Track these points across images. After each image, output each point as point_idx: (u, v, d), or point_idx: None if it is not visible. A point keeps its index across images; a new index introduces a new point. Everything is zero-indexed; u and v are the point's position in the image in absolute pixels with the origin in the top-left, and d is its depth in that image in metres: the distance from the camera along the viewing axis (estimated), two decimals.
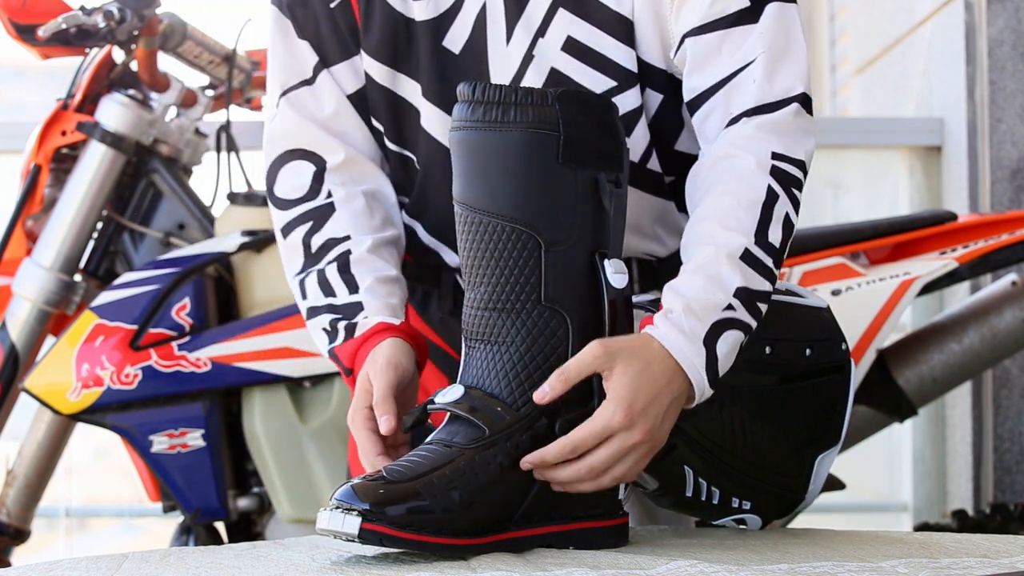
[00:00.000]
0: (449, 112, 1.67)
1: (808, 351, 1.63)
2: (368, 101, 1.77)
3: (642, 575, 1.40)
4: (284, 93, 1.78)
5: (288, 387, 2.50)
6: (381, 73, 1.74)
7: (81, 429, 2.69)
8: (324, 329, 1.71)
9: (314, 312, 1.72)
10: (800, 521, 2.59)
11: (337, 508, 1.44)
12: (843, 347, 1.66)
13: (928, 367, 2.62)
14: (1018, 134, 3.40)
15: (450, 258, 1.78)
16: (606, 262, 1.52)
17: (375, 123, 1.77)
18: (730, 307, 1.52)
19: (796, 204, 1.60)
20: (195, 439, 2.48)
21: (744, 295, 1.53)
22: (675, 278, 1.56)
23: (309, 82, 1.77)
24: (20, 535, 2.69)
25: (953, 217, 2.57)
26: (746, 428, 1.60)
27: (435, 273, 1.81)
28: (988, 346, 2.62)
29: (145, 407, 2.47)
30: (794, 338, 1.62)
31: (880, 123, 3.88)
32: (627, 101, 1.69)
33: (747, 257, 1.54)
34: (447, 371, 1.82)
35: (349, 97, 1.77)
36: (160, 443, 2.48)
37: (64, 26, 2.54)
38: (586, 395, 1.52)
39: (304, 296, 1.74)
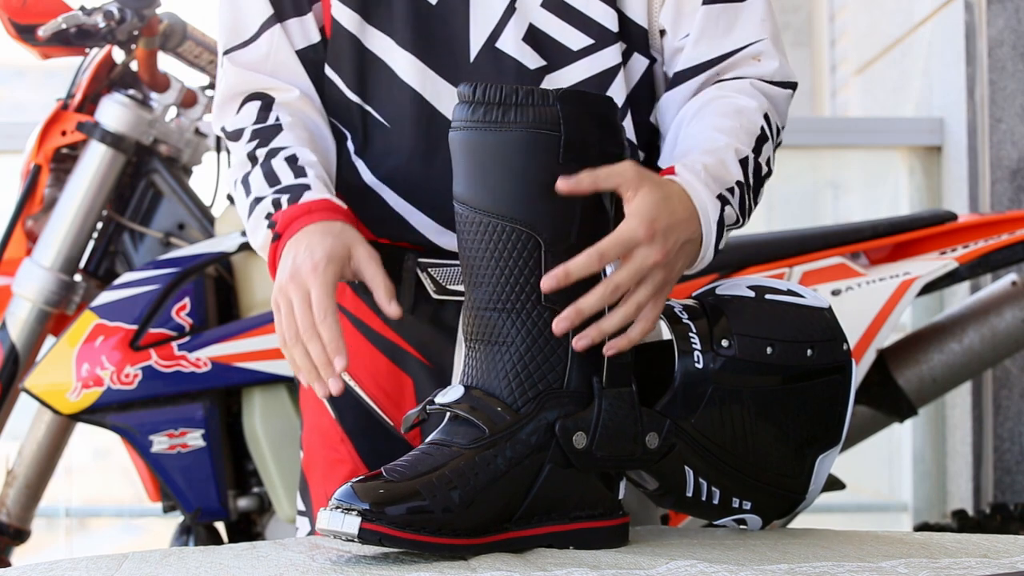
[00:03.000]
0: (427, 62, 1.68)
1: (810, 351, 1.63)
2: (329, 51, 1.74)
3: (642, 575, 1.40)
4: (227, 52, 1.75)
5: (288, 387, 2.50)
6: (351, 21, 1.71)
7: (81, 429, 2.69)
8: (267, 214, 1.66)
9: (257, 202, 1.67)
10: (800, 521, 2.59)
11: (337, 508, 1.44)
12: (844, 347, 1.66)
13: (928, 367, 2.62)
14: (1018, 134, 3.40)
15: (416, 221, 1.73)
16: None
17: (331, 74, 1.75)
18: (732, 190, 1.59)
19: (773, 157, 1.69)
20: (195, 439, 2.48)
21: (739, 190, 1.60)
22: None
23: (254, 39, 1.74)
24: (20, 535, 2.69)
25: (953, 217, 2.57)
26: (747, 428, 1.60)
27: (395, 266, 1.75)
28: (988, 346, 2.62)
29: (145, 407, 2.47)
30: (796, 339, 1.62)
31: (880, 123, 3.88)
32: (604, 59, 1.70)
33: (744, 162, 1.62)
34: (407, 371, 1.79)
35: (297, 53, 1.75)
36: (160, 443, 2.48)
37: (64, 26, 2.54)
38: (587, 397, 1.52)
39: (248, 192, 1.69)
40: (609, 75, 1.70)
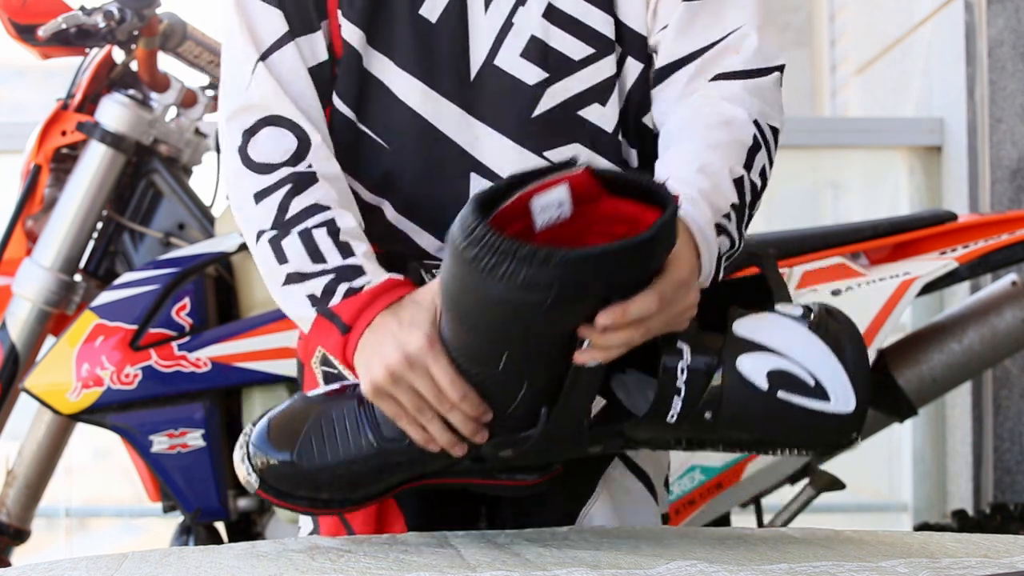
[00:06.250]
0: (429, 83, 1.67)
1: (798, 452, 1.59)
2: (337, 71, 1.72)
3: (642, 575, 1.40)
4: (262, 58, 1.70)
5: (288, 387, 2.50)
6: (359, 40, 1.70)
7: (81, 429, 2.69)
8: (311, 295, 1.61)
9: (300, 278, 1.62)
10: (800, 521, 2.59)
11: (244, 457, 1.55)
12: (849, 439, 1.57)
13: (928, 367, 2.62)
14: (1018, 134, 3.40)
15: (420, 239, 1.72)
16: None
17: (335, 98, 1.73)
18: (728, 216, 1.58)
19: (771, 164, 1.66)
20: (195, 439, 2.48)
21: (735, 214, 1.59)
22: (674, 170, 1.59)
23: (276, 48, 1.70)
24: (20, 535, 2.69)
25: (953, 217, 2.57)
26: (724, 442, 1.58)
27: (399, 268, 1.71)
28: (988, 346, 2.62)
29: (145, 407, 2.47)
30: (787, 444, 1.52)
31: (880, 123, 3.88)
32: (604, 68, 1.69)
33: (739, 183, 1.60)
34: None
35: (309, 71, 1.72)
36: (160, 443, 2.48)
37: (64, 26, 2.54)
38: (529, 420, 1.52)
39: (282, 260, 1.63)
40: (608, 85, 1.70)
